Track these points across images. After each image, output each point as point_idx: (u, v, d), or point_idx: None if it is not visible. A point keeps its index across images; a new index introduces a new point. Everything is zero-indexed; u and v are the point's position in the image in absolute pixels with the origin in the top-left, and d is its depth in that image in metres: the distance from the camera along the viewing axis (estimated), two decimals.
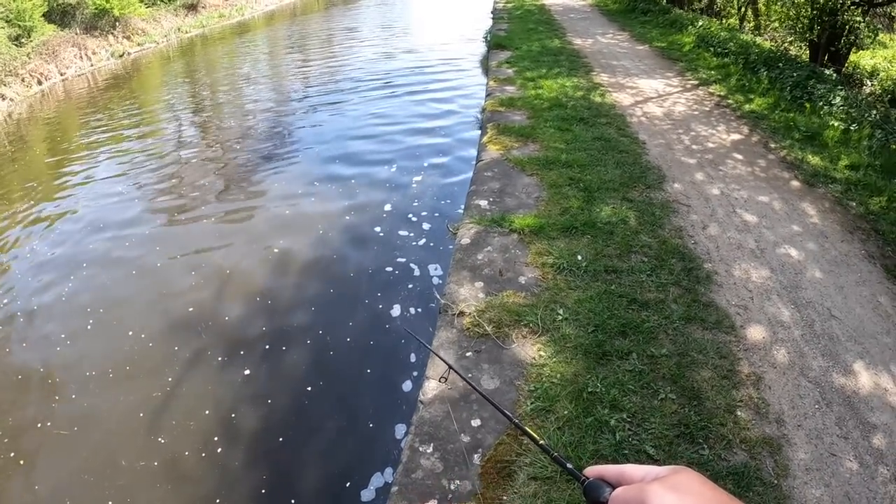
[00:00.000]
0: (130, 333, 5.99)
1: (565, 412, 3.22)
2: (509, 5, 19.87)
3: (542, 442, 1.15)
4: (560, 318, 4.01)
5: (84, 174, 11.57)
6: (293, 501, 4.03)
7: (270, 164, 9.69)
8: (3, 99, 18.47)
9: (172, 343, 5.76)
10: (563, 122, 7.85)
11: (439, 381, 3.46)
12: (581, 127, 7.72)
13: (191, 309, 6.20)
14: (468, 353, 3.75)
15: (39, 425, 5.21)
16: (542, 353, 3.70)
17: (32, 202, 10.90)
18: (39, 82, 18.81)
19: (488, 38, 15.02)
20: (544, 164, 6.56)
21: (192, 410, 4.97)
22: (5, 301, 7.39)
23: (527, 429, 1.29)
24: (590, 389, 3.36)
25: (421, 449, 3.13)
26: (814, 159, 6.67)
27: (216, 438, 4.63)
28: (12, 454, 5.09)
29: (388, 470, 3.95)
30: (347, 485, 4.00)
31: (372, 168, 8.70)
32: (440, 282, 5.59)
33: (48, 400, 5.52)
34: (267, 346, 5.48)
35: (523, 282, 4.48)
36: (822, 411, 3.26)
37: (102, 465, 4.73)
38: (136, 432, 4.88)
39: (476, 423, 3.25)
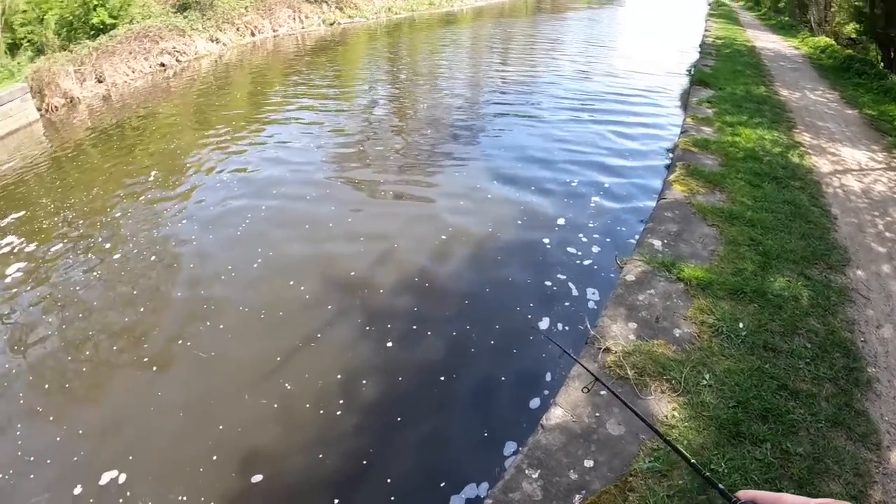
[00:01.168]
0: (291, 283, 6.44)
1: (680, 482, 3.04)
2: (718, 41, 18.93)
3: (693, 461, 1.13)
4: (704, 382, 3.75)
5: (276, 124, 12.65)
6: (388, 480, 4.12)
7: (452, 155, 9.91)
8: (218, 43, 20.29)
9: (326, 301, 6.10)
10: (755, 177, 7.37)
11: (582, 391, 3.34)
12: (773, 186, 7.18)
13: (352, 273, 6.54)
14: (602, 392, 3.57)
15: (181, 342, 5.71)
16: (676, 413, 3.48)
17: (227, 139, 12.05)
18: (252, 34, 20.46)
19: (692, 73, 14.34)
20: (727, 217, 6.17)
21: (325, 369, 5.23)
22: (183, 222, 8.20)
23: (678, 447, 1.22)
24: (712, 467, 3.14)
25: (527, 472, 3.04)
26: None
27: (340, 401, 4.84)
28: (146, 359, 5.64)
29: (485, 485, 3.90)
30: (442, 484, 4.03)
31: (552, 180, 8.58)
32: (595, 309, 5.41)
33: (197, 322, 6.06)
34: (413, 327, 5.63)
35: (677, 334, 4.22)
36: None
37: (225, 392, 5.15)
38: (267, 373, 5.25)
39: (589, 463, 3.12)
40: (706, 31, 20.80)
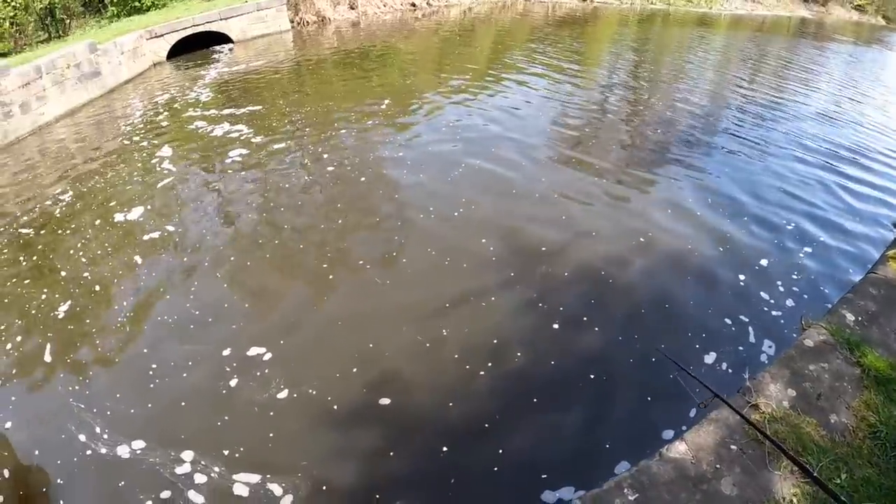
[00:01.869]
0: (483, 241, 6.76)
1: None
2: None
3: (843, 499, 1.10)
4: (838, 482, 3.43)
5: (509, 85, 12.98)
6: (500, 451, 4.29)
7: (672, 163, 9.64)
8: None
9: (509, 268, 6.34)
10: None
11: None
12: None
13: (542, 248, 6.72)
14: (732, 447, 3.42)
15: (361, 263, 6.34)
16: (794, 500, 3.24)
17: (459, 88, 12.63)
18: None
19: None
20: None
21: (486, 329, 5.48)
22: (400, 154, 8.81)
23: (826, 484, 1.20)
24: None
25: (625, 491, 3.06)
26: None
27: (488, 363, 5.08)
28: (325, 265, 6.31)
29: (582, 492, 3.88)
30: (544, 476, 4.11)
31: (764, 220, 7.98)
32: (765, 363, 5.09)
33: (382, 250, 6.62)
34: (584, 318, 5.69)
35: (832, 420, 3.89)
36: None
37: (388, 319, 5.58)
38: (432, 315, 5.62)
39: None
40: None
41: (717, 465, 3.25)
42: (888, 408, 4.13)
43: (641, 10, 24.02)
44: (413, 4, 21.68)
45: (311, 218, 7.28)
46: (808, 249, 7.19)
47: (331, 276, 6.17)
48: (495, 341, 5.29)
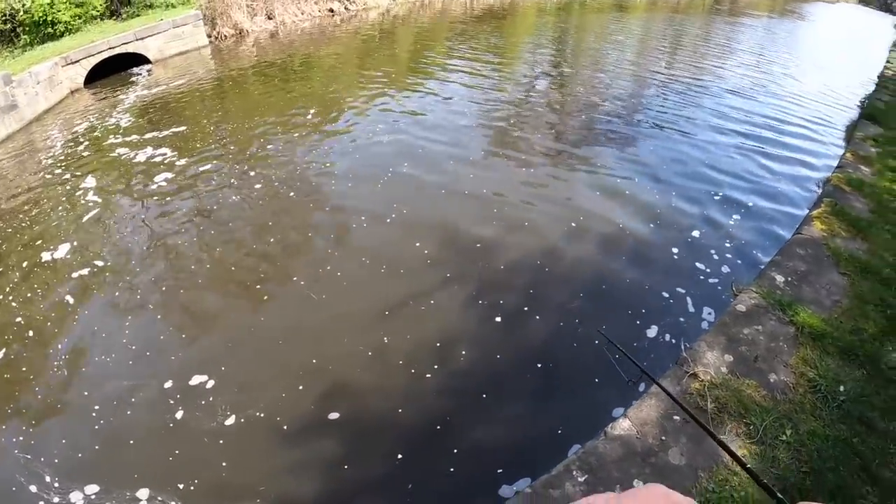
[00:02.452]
0: (417, 244, 6.71)
1: None
2: None
3: (748, 466, 1.11)
4: (784, 438, 3.52)
5: (433, 82, 12.99)
6: (454, 451, 4.26)
7: (599, 145, 9.86)
8: None
9: (446, 268, 6.31)
10: None
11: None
12: None
13: (477, 245, 6.72)
14: (675, 417, 3.48)
15: (296, 279, 6.25)
16: (743, 460, 3.30)
17: (384, 89, 12.55)
18: None
19: (863, 106, 13.14)
20: (863, 269, 5.66)
21: (428, 332, 5.45)
22: (327, 165, 8.70)
23: (731, 447, 1.21)
24: None
25: (574, 473, 3.06)
26: None
27: (434, 365, 5.04)
28: (259, 286, 6.24)
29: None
30: (499, 471, 4.09)
31: (694, 190, 8.24)
32: (706, 330, 5.20)
33: (317, 265, 6.50)
34: (525, 308, 5.71)
35: (772, 380, 4.00)
36: None
37: (326, 332, 5.49)
38: (371, 324, 5.54)
39: (637, 484, 3.04)
40: (888, 62, 18.91)
41: (663, 437, 3.29)
42: (825, 361, 4.26)
43: (558, 0, 24.37)
44: (331, 10, 21.46)
45: (242, 238, 7.11)
46: (737, 217, 7.40)
47: (265, 297, 6.03)
48: (439, 343, 5.26)
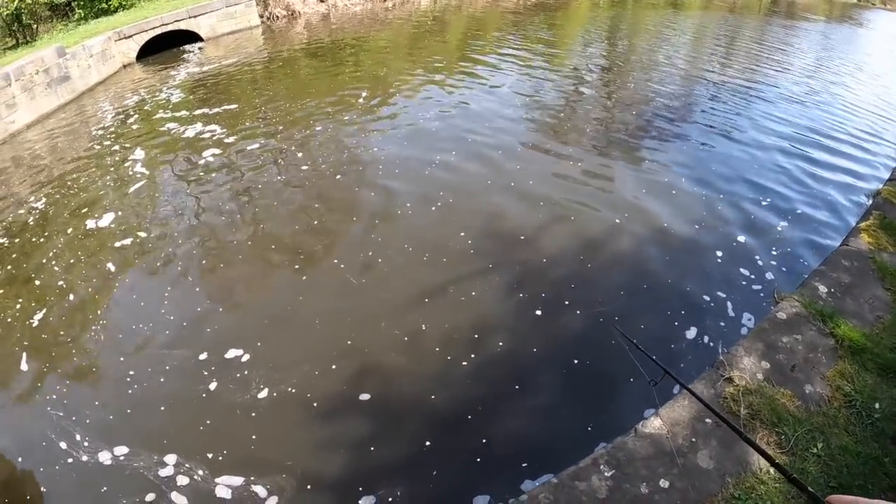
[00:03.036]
0: (462, 234, 6.74)
1: None
2: None
3: (777, 461, 1.11)
4: (814, 451, 3.49)
5: (483, 71, 12.96)
6: (483, 440, 4.29)
7: (648, 144, 9.72)
8: None
9: (489, 258, 6.34)
10: None
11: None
12: None
13: (521, 237, 6.73)
14: (707, 420, 3.46)
15: (336, 262, 6.31)
16: (771, 471, 3.29)
17: (433, 76, 12.58)
18: None
19: None
20: None
21: (467, 321, 5.48)
22: (375, 150, 8.77)
23: (760, 445, 1.20)
24: None
25: (601, 467, 3.09)
26: None
27: (471, 354, 5.09)
28: (298, 266, 6.31)
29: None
30: (524, 465, 4.11)
31: (741, 195, 8.10)
32: (744, 336, 5.16)
33: (359, 249, 6.57)
34: (566, 303, 5.71)
35: (807, 391, 3.95)
36: None
37: (365, 316, 5.56)
38: (411, 310, 5.60)
39: (664, 484, 3.07)
40: None
41: (693, 439, 3.29)
42: (863, 377, 4.19)
43: None
44: None
45: (286, 218, 7.23)
46: (784, 224, 7.26)
47: (304, 277, 6.13)
48: (476, 332, 5.29)
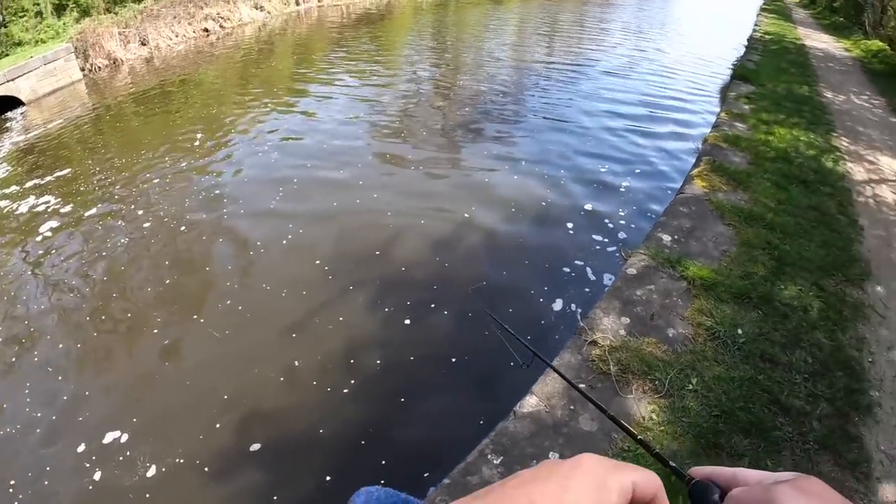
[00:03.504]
0: (317, 262, 6.54)
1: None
2: (767, 37, 18.39)
3: (640, 437, 1.08)
4: (690, 387, 3.67)
5: (317, 94, 12.83)
6: (382, 462, 4.21)
7: (490, 131, 10.11)
8: (261, 10, 20.43)
9: (349, 281, 6.19)
10: (782, 179, 7.12)
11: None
12: (800, 189, 6.94)
13: (377, 252, 6.66)
14: (581, 385, 3.56)
15: (195, 317, 5.91)
16: (654, 416, 3.42)
17: (268, 107, 12.31)
18: (297, 3, 20.50)
19: (734, 68, 14.02)
20: (746, 217, 5.99)
21: (339, 347, 5.34)
22: (216, 192, 8.42)
23: (624, 423, 1.20)
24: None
25: (489, 457, 3.06)
26: None
27: (351, 380, 4.95)
28: (156, 331, 5.87)
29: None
30: (426, 475, 4.05)
31: (579, 167, 8.56)
32: None
33: (217, 300, 6.20)
34: (432, 306, 5.70)
35: (671, 334, 4.15)
36: None
37: (235, 366, 5.27)
38: (280, 349, 5.37)
39: (553, 456, 3.09)
40: (756, 25, 20.18)
41: (571, 407, 3.36)
42: (721, 308, 4.47)
43: None
44: (206, 30, 20.78)
45: (138, 283, 6.76)
46: (626, 184, 7.71)
47: (167, 341, 5.77)
48: (350, 356, 5.17)
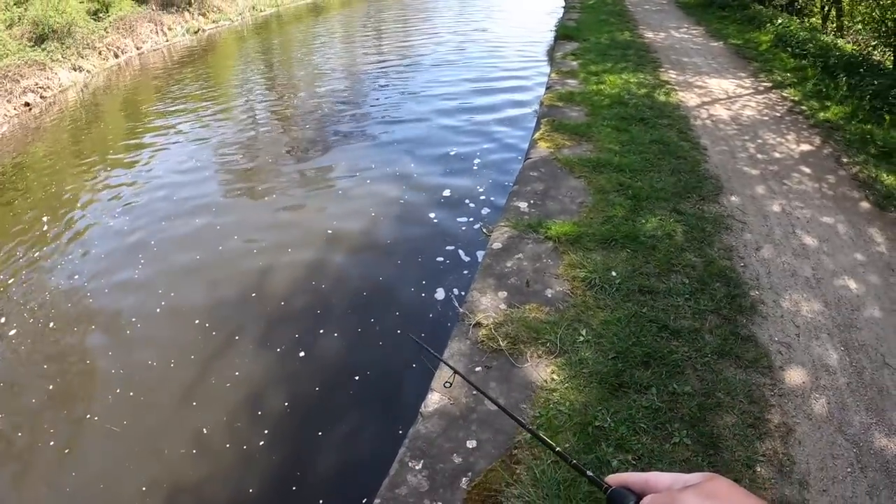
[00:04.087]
0: (196, 321, 6.12)
1: (566, 445, 2.99)
2: None
3: (558, 449, 1.08)
4: (581, 339, 3.76)
5: (156, 146, 12.09)
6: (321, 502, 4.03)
7: (336, 144, 9.97)
8: (81, 71, 19.23)
9: (234, 332, 5.86)
10: (621, 122, 7.48)
11: (444, 386, 3.32)
12: (640, 128, 7.33)
13: (253, 294, 6.36)
14: (477, 369, 3.56)
15: (89, 416, 5.34)
16: (555, 376, 3.47)
17: (108, 172, 11.47)
18: (116, 56, 19.46)
19: (557, 29, 14.66)
20: (594, 166, 6.24)
21: (243, 402, 5.07)
22: (76, 277, 7.72)
23: (542, 435, 1.17)
24: (597, 423, 3.10)
25: (410, 464, 2.99)
26: (888, 179, 6.08)
27: (265, 431, 4.71)
28: (52, 443, 5.24)
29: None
30: (364, 501, 3.92)
31: (428, 160, 8.65)
32: None
33: (106, 391, 5.62)
34: (321, 330, 5.57)
35: (550, 295, 4.24)
36: (853, 476, 2.92)
37: (143, 454, 4.82)
38: (184, 422, 5.00)
39: (472, 444, 3.07)
40: None
41: (474, 392, 3.36)
42: (590, 258, 4.61)
43: (254, 21, 24.07)
44: (27, 104, 19.26)
45: (20, 394, 6.14)
46: (477, 162, 7.90)
47: (66, 451, 5.21)
48: (256, 408, 4.91)
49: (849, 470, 2.95)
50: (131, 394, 5.49)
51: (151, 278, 7.13)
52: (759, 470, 2.91)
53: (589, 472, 0.89)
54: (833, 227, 5.29)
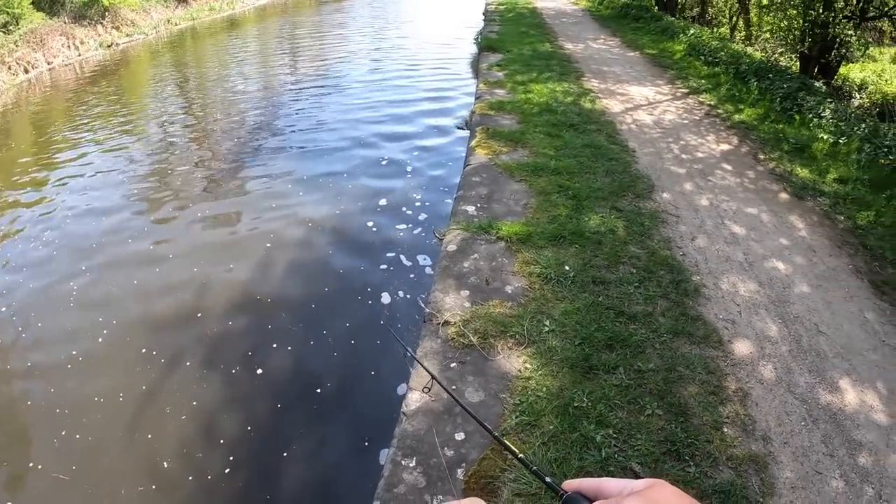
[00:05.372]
0: (143, 350, 5.79)
1: (551, 427, 3.16)
2: (501, 7, 19.94)
3: (521, 455, 1.12)
4: (546, 329, 3.96)
5: (68, 167, 11.32)
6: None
7: (258, 159, 9.72)
8: None
9: (173, 355, 5.61)
10: (552, 128, 7.81)
11: (423, 392, 3.41)
12: (571, 133, 7.67)
13: (199, 315, 6.10)
14: (452, 364, 3.68)
15: (35, 466, 4.89)
16: (527, 365, 3.64)
17: (20, 198, 10.61)
18: (26, 70, 18.46)
19: (479, 40, 15.03)
20: (533, 170, 6.50)
21: (204, 432, 4.83)
22: (10, 312, 7.06)
23: (506, 442, 1.26)
24: (576, 404, 3.29)
25: (403, 463, 3.06)
26: (802, 172, 6.68)
27: (230, 457, 4.55)
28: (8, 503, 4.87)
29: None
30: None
31: (363, 170, 8.70)
32: (431, 273, 5.57)
33: (51, 438, 5.09)
34: (274, 345, 5.46)
35: (510, 291, 4.42)
36: (808, 428, 3.23)
37: (101, 496, 4.53)
38: (143, 459, 4.72)
39: (460, 436, 3.18)
40: None
41: (453, 386, 3.47)
42: (542, 254, 4.83)
43: (169, 35, 23.41)
44: None
45: None
46: (410, 169, 8.07)
47: None
48: (217, 434, 4.72)
49: (803, 423, 3.26)
50: (78, 435, 5.03)
51: (87, 312, 6.65)
52: (726, 431, 3.17)
53: (547, 479, 0.92)
54: (758, 216, 5.73)
